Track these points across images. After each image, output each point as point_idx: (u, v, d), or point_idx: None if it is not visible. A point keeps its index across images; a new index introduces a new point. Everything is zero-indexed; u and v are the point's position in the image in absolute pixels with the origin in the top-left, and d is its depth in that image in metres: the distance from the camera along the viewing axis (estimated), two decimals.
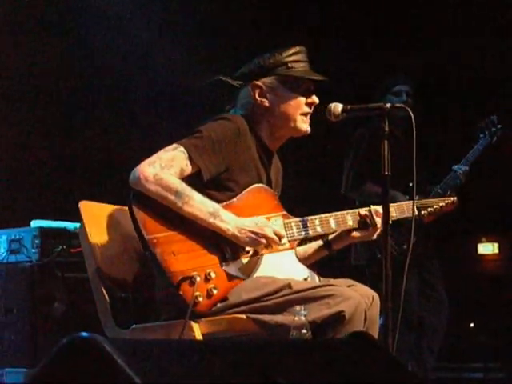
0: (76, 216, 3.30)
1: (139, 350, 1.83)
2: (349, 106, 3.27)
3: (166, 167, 3.04)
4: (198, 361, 1.94)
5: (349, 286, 3.13)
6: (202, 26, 6.24)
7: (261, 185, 3.29)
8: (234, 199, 3.19)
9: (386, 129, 3.18)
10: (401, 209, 3.52)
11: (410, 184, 3.30)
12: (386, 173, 3.14)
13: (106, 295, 3.17)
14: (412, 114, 3.17)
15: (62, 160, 5.93)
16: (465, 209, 4.19)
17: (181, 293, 2.94)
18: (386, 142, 3.15)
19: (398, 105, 3.30)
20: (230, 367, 2.04)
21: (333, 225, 3.34)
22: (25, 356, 4.52)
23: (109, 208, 3.31)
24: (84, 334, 1.73)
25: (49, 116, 5.88)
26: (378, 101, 4.81)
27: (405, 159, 3.47)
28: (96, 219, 3.25)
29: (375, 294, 3.16)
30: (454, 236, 6.73)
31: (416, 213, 3.47)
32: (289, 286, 3.04)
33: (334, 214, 3.36)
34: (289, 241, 3.24)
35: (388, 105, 3.21)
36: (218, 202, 3.12)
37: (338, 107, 3.27)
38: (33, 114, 5.83)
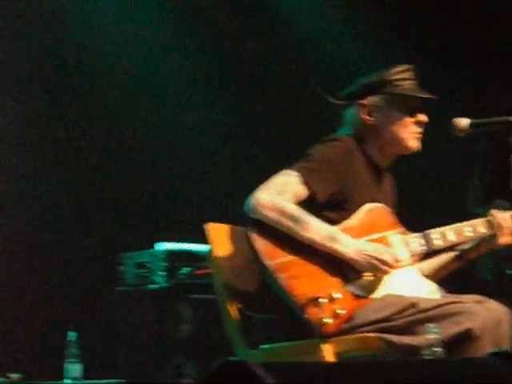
0: (192, 237, 3.34)
1: (286, 373, 1.84)
2: (475, 120, 3.22)
3: (280, 193, 3.06)
4: None
5: (477, 302, 3.07)
6: None
7: (374, 203, 3.26)
8: (349, 219, 3.18)
9: None
10: None
11: None
12: None
13: (234, 314, 3.20)
14: None
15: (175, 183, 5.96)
16: None
17: (307, 315, 2.95)
18: None
19: None
20: None
21: (452, 237, 3.28)
22: (153, 375, 4.60)
23: (234, 228, 3.33)
24: (234, 358, 1.74)
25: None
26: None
27: None
28: (222, 239, 3.29)
29: (506, 310, 3.10)
30: None
31: None
32: (416, 304, 3.01)
33: (453, 226, 3.30)
34: (410, 256, 3.21)
35: None
36: (333, 222, 3.12)
37: (464, 122, 3.22)
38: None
